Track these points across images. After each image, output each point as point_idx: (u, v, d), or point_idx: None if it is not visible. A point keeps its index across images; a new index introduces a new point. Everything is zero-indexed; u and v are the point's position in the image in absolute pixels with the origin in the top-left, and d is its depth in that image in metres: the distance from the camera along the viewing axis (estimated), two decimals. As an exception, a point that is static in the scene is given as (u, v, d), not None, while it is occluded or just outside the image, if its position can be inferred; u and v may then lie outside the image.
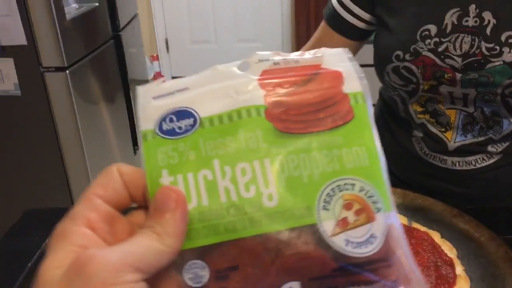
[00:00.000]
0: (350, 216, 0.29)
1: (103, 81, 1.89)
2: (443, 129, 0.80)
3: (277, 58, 0.33)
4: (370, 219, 0.29)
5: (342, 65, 0.33)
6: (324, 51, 0.33)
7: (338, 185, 0.29)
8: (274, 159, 0.30)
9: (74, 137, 1.64)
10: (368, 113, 0.31)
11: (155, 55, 3.51)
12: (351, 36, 0.88)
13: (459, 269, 0.61)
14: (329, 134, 0.30)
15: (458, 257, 0.64)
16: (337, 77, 0.32)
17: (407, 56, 0.76)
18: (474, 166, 0.81)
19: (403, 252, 0.30)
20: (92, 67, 1.77)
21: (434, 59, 0.74)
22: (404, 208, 0.74)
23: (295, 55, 0.33)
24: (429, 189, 0.83)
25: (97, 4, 1.78)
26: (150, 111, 0.31)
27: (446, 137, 0.80)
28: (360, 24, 0.86)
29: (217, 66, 0.33)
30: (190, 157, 0.30)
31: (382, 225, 0.29)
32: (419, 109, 0.82)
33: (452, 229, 0.69)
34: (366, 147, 0.30)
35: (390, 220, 0.30)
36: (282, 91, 0.31)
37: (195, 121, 0.31)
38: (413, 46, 0.75)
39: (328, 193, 0.29)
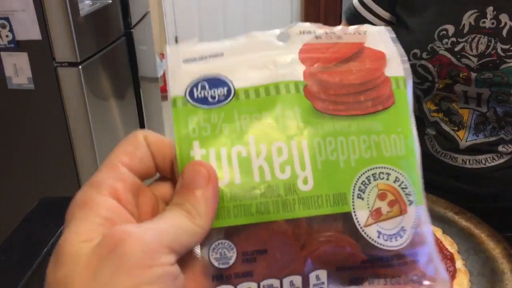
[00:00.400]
0: (384, 207, 0.28)
1: (114, 77, 1.92)
2: (456, 128, 0.82)
3: (320, 31, 0.31)
4: (402, 212, 0.28)
5: (386, 46, 0.31)
6: (367, 28, 0.32)
7: (374, 174, 0.28)
8: (312, 140, 0.28)
9: (85, 131, 1.67)
10: (408, 100, 0.30)
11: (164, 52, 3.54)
12: None
13: (459, 263, 0.63)
14: (369, 119, 0.29)
15: (458, 252, 0.66)
16: (380, 58, 0.30)
17: (424, 55, 0.78)
18: (484, 164, 0.82)
19: (430, 248, 0.29)
20: (104, 63, 1.80)
21: (450, 58, 0.76)
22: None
23: (337, 30, 0.31)
24: (438, 186, 0.84)
25: (110, 1, 1.80)
26: (180, 75, 0.29)
27: (458, 136, 0.82)
28: (380, 24, 0.88)
29: (254, 33, 0.31)
30: (224, 130, 0.28)
31: (412, 219, 0.28)
32: (433, 107, 0.83)
33: (453, 225, 0.71)
34: (404, 135, 0.29)
35: (420, 214, 0.29)
36: (322, 68, 0.30)
37: (229, 91, 0.28)
38: (430, 45, 0.77)
39: (364, 181, 0.28)
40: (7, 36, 1.54)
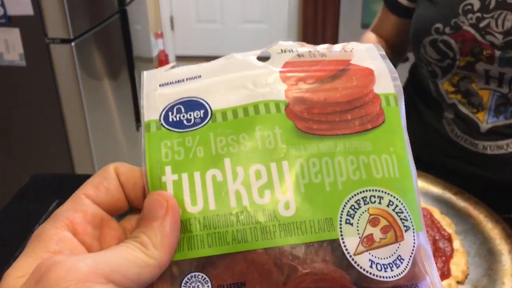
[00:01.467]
0: (376, 233, 0.26)
1: (107, 56, 1.89)
2: (475, 110, 0.79)
3: (302, 49, 0.30)
4: (397, 239, 0.26)
5: (374, 62, 0.29)
6: (355, 46, 0.31)
7: (364, 197, 0.26)
8: (293, 162, 0.26)
9: (77, 110, 1.65)
10: (401, 117, 0.28)
11: (159, 32, 3.50)
12: (399, 13, 0.89)
13: (456, 243, 0.63)
14: (357, 138, 0.27)
15: (456, 232, 0.65)
16: (368, 75, 0.29)
17: (447, 30, 0.75)
18: (506, 150, 0.79)
19: (433, 278, 0.26)
20: (97, 41, 1.77)
21: (474, 35, 0.74)
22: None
23: (322, 48, 0.30)
24: (456, 172, 0.82)
25: (104, -23, 1.77)
26: (155, 99, 0.28)
27: (478, 118, 0.79)
28: (406, 3, 0.87)
29: (234, 54, 0.30)
30: (198, 153, 0.26)
31: (410, 246, 0.26)
32: (451, 89, 0.81)
33: (452, 206, 0.71)
34: (397, 156, 0.27)
35: (419, 241, 0.26)
36: (305, 86, 0.28)
37: (205, 113, 0.27)
38: (454, 20, 0.75)
39: (353, 206, 0.26)
40: (-2, 10, 1.50)
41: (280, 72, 0.29)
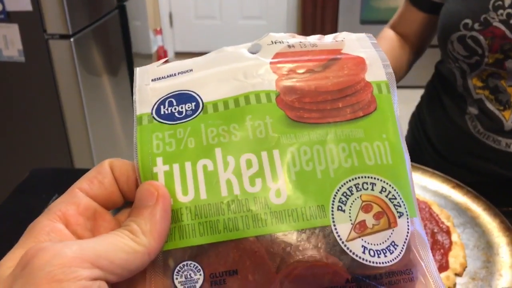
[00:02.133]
0: (369, 219, 0.26)
1: (106, 52, 1.89)
2: (501, 108, 0.77)
3: (293, 40, 0.30)
4: (391, 225, 0.26)
5: (365, 51, 0.29)
6: (346, 35, 0.31)
7: (356, 184, 0.26)
8: (285, 150, 0.26)
9: (76, 105, 1.65)
10: (393, 105, 0.28)
11: (158, 29, 3.49)
12: (426, 8, 0.86)
13: (455, 236, 0.63)
14: (348, 126, 0.27)
15: (455, 225, 0.66)
16: (359, 63, 0.29)
17: (476, 26, 0.74)
18: None
19: (428, 264, 0.26)
20: (96, 37, 1.77)
21: (505, 31, 0.72)
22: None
23: (313, 38, 0.30)
24: (476, 170, 0.82)
25: (102, -27, 1.77)
26: (147, 93, 0.29)
27: (503, 116, 0.77)
28: None
29: (225, 47, 0.30)
30: (190, 144, 0.27)
31: (404, 232, 0.26)
32: (479, 84, 0.79)
33: (450, 200, 0.71)
34: (389, 142, 0.27)
35: (413, 227, 0.26)
36: (296, 76, 0.28)
37: (197, 105, 0.28)
38: (483, 16, 0.73)
39: (345, 193, 0.26)
40: (-3, 6, 1.50)
41: (271, 63, 0.29)
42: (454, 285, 0.57)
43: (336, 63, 0.29)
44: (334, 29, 3.16)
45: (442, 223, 0.65)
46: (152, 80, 0.29)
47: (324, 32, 3.19)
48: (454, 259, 0.59)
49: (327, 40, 0.30)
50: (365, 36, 0.31)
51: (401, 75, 0.89)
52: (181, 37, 3.62)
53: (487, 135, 0.80)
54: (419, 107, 0.98)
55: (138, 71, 0.30)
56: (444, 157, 0.88)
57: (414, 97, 1.01)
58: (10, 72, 1.60)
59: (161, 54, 3.48)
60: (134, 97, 0.29)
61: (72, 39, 1.57)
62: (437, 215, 0.67)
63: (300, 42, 0.30)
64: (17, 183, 0.82)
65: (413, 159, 0.90)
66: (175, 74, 0.29)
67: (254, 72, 0.28)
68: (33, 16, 1.51)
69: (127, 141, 2.08)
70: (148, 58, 2.50)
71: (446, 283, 0.56)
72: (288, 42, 0.30)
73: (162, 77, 0.29)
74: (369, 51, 0.30)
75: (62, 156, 1.69)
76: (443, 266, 0.58)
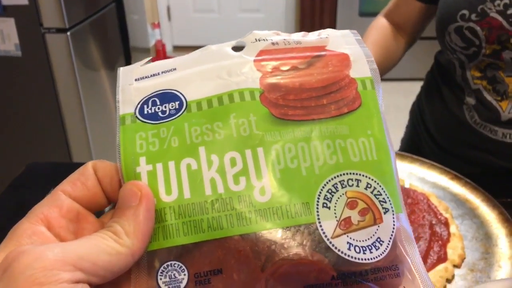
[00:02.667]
0: (354, 216, 0.26)
1: (104, 46, 1.88)
2: (499, 98, 0.77)
3: (276, 38, 0.30)
4: (376, 221, 0.26)
5: (350, 48, 0.29)
6: (330, 32, 0.31)
7: (341, 181, 0.26)
8: (269, 148, 0.26)
9: (74, 99, 1.64)
10: (378, 101, 0.28)
11: (156, 22, 3.48)
12: None
13: (453, 227, 0.63)
14: (333, 123, 0.27)
15: (453, 217, 0.65)
16: (344, 60, 0.29)
17: (473, 16, 0.73)
18: None
19: (414, 260, 0.26)
20: (93, 30, 1.76)
21: (502, 22, 0.71)
22: (401, 171, 0.75)
23: (297, 35, 0.30)
24: (474, 160, 0.81)
25: (99, -35, 1.75)
26: (130, 93, 0.28)
27: (500, 107, 0.77)
28: None
29: (209, 46, 0.30)
30: (173, 144, 0.26)
31: (390, 228, 0.26)
32: (477, 74, 0.79)
33: (448, 191, 0.71)
34: (374, 138, 0.27)
35: (399, 223, 0.26)
36: (280, 73, 0.28)
37: (180, 104, 0.28)
38: (481, 6, 0.72)
39: (330, 189, 0.26)
40: (-8, 0, 1.49)
41: (255, 60, 0.29)
42: (453, 276, 0.56)
43: (320, 60, 0.29)
44: (332, 22, 3.15)
45: (441, 214, 0.65)
46: (136, 80, 0.29)
47: (322, 24, 3.18)
48: (453, 250, 0.59)
49: (312, 37, 0.30)
50: (349, 33, 0.31)
51: (391, 65, 0.89)
52: (180, 30, 3.60)
53: (484, 125, 0.80)
54: (419, 97, 0.97)
55: (121, 71, 0.30)
56: (442, 148, 0.88)
57: (415, 89, 1.01)
58: (6, 66, 1.59)
59: (159, 48, 3.47)
60: (117, 97, 0.29)
61: (68, 33, 1.56)
62: (435, 206, 0.66)
63: (284, 39, 0.30)
64: (15, 175, 0.81)
65: (412, 149, 0.92)
66: (158, 73, 0.29)
67: (238, 70, 0.28)
68: (29, 10, 1.50)
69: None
70: (146, 52, 2.49)
71: (444, 274, 0.56)
72: (272, 40, 0.30)
73: (146, 77, 0.29)
74: (353, 47, 0.30)
75: (60, 151, 1.69)
76: (441, 258, 0.58)
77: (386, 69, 0.88)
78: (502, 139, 0.79)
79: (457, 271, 0.57)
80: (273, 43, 0.30)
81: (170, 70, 0.29)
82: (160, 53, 3.48)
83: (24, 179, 0.80)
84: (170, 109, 0.27)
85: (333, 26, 3.16)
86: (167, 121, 0.27)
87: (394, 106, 2.42)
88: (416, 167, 0.76)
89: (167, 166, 0.26)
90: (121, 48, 2.03)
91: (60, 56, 1.58)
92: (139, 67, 0.30)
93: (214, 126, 0.27)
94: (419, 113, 0.95)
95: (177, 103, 0.28)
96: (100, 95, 1.83)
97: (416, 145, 0.95)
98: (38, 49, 1.56)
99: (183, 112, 0.27)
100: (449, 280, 0.56)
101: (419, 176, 0.74)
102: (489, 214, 0.65)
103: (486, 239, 0.61)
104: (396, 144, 0.97)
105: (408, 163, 0.77)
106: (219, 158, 0.26)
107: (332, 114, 0.27)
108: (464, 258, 0.59)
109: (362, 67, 0.29)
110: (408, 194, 0.68)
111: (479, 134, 0.81)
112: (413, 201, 0.67)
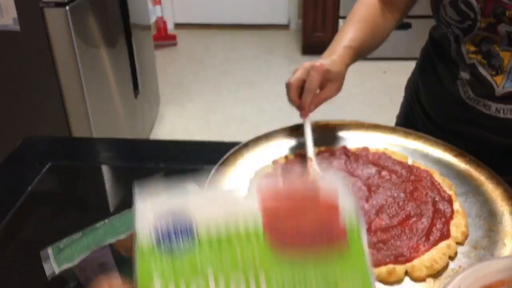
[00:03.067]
0: None
1: (103, 22, 1.85)
2: (494, 73, 0.76)
3: (280, 184, 0.35)
4: None
5: (341, 198, 0.34)
6: (322, 182, 0.35)
7: None
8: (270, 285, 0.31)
9: (73, 75, 1.62)
10: (362, 244, 0.33)
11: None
12: None
13: (457, 205, 0.61)
14: (326, 265, 0.32)
15: (457, 194, 0.64)
16: (334, 209, 0.34)
17: None
18: None
19: None
20: (93, 6, 1.73)
21: None
22: (405, 148, 0.74)
23: (298, 183, 0.36)
24: (469, 137, 0.81)
25: None
26: (148, 221, 0.32)
27: (495, 81, 0.76)
28: None
29: (221, 187, 0.36)
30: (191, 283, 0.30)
31: None
32: (472, 48, 0.78)
33: (452, 168, 0.69)
34: (362, 278, 0.32)
35: None
36: (281, 215, 0.33)
37: (193, 238, 0.32)
38: None
39: None
40: (-11, -28, 1.46)
41: (259, 202, 0.33)
42: (456, 254, 0.55)
43: (315, 208, 0.34)
44: (336, 5, 3.10)
45: (444, 191, 0.63)
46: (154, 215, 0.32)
47: (326, 7, 3.12)
48: (456, 227, 0.58)
49: (309, 186, 0.35)
50: (340, 182, 0.35)
51: (379, 42, 0.88)
52: (181, 7, 3.55)
53: (478, 101, 0.79)
54: (413, 74, 0.96)
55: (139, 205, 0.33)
56: (436, 124, 0.87)
57: (411, 69, 0.99)
58: (5, 41, 1.57)
59: (160, 25, 3.42)
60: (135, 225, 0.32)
61: (67, 7, 1.53)
62: (438, 183, 0.65)
63: (285, 182, 0.35)
64: (13, 148, 0.80)
65: (407, 126, 0.90)
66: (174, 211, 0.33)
67: (243, 210, 0.33)
68: (27, -18, 1.47)
69: (125, 111, 2.06)
70: (146, 30, 2.45)
71: (447, 251, 0.55)
72: (275, 186, 0.35)
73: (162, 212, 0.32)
74: (344, 198, 0.34)
75: (60, 126, 1.68)
76: (444, 235, 0.57)
77: (374, 45, 0.86)
78: (495, 114, 0.78)
79: (460, 249, 0.56)
80: (275, 187, 0.34)
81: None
82: (161, 31, 3.44)
83: (20, 153, 0.79)
84: (183, 243, 0.31)
85: (337, 4, 3.11)
86: (181, 254, 0.31)
87: (394, 85, 2.39)
88: (420, 144, 0.74)
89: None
90: (121, 24, 2.00)
91: (59, 31, 1.56)
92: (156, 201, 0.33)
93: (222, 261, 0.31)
94: (413, 90, 0.94)
95: (189, 236, 0.31)
96: (99, 71, 1.81)
97: (411, 121, 0.94)
98: (37, 24, 1.54)
99: (195, 247, 0.31)
100: (452, 258, 0.55)
101: (423, 152, 0.73)
102: (493, 192, 0.64)
103: (490, 217, 0.60)
104: (392, 121, 0.96)
105: (412, 139, 0.76)
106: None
107: (324, 256, 0.32)
108: (467, 235, 0.58)
109: (351, 215, 0.33)
110: (411, 171, 0.67)
111: (471, 109, 0.80)
112: (416, 178, 0.66)
